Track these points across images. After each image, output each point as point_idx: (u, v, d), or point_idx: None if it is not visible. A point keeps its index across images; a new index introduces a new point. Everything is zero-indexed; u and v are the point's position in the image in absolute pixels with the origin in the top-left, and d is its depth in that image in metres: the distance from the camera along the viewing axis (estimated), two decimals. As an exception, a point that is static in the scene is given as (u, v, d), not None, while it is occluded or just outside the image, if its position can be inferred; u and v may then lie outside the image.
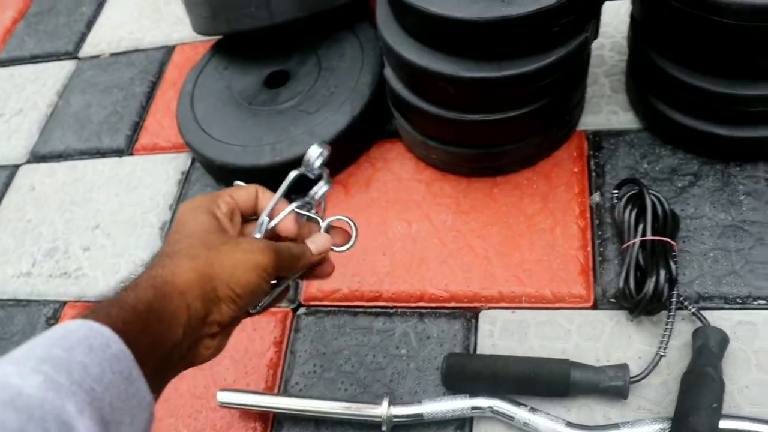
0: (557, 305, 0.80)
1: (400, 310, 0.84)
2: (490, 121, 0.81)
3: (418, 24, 0.77)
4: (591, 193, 0.88)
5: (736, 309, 0.77)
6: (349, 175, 0.96)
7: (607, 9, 0.84)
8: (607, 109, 0.96)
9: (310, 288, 0.88)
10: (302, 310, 0.88)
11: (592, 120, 0.95)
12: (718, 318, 0.75)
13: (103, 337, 0.43)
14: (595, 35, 0.84)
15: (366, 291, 0.86)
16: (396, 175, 0.95)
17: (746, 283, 0.78)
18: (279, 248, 0.58)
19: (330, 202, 0.93)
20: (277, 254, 0.57)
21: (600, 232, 0.85)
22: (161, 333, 0.48)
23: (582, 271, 0.82)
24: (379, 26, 0.84)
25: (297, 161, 0.89)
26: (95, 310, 0.46)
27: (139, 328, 0.46)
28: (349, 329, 0.84)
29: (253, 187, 0.63)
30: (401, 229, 0.90)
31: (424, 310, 0.84)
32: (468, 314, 0.82)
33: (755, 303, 0.77)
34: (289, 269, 0.60)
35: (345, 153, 0.96)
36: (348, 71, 0.97)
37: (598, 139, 0.93)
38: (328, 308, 0.87)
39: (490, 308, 0.82)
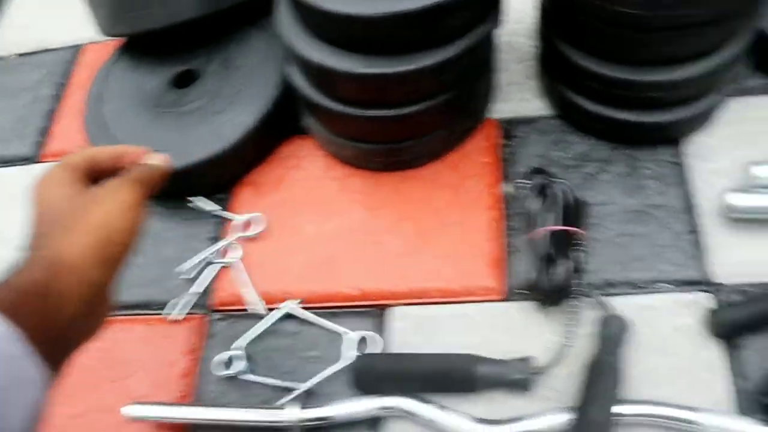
0: (468, 299, 0.80)
1: (311, 310, 0.83)
2: (394, 116, 0.80)
3: (315, 21, 0.76)
4: (503, 183, 0.88)
5: (641, 294, 0.78)
6: (260, 175, 0.95)
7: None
8: (518, 96, 0.96)
9: (222, 292, 0.86)
10: (215, 315, 0.86)
11: (503, 108, 0.95)
12: (624, 304, 0.76)
13: None
14: (498, 24, 0.83)
15: (278, 292, 0.84)
16: (308, 172, 0.94)
17: (651, 267, 0.79)
18: (138, 176, 0.58)
19: (242, 204, 0.92)
20: (140, 183, 0.57)
21: (511, 223, 0.85)
22: (53, 310, 0.47)
23: (492, 263, 0.82)
24: (278, 23, 0.82)
25: (202, 164, 0.88)
26: None
27: (29, 309, 0.45)
28: (261, 333, 0.82)
29: (116, 149, 0.62)
30: (313, 228, 0.88)
31: (336, 310, 0.82)
32: (379, 312, 0.81)
33: (659, 286, 0.78)
34: (152, 190, 0.60)
35: (254, 152, 0.94)
36: (255, 68, 0.95)
37: (509, 128, 0.93)
38: (241, 312, 0.85)
39: (401, 305, 0.81)
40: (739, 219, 0.80)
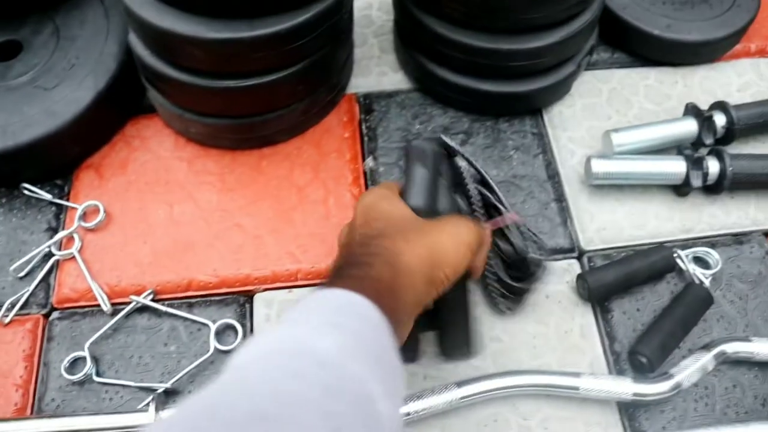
0: (335, 279, 0.76)
1: (166, 302, 0.76)
2: (248, 86, 0.74)
3: (155, -20, 0.69)
4: (364, 159, 0.84)
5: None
6: (102, 157, 0.85)
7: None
8: (376, 70, 0.93)
9: (63, 288, 0.77)
10: (55, 314, 0.76)
11: (361, 82, 0.92)
12: (495, 276, 0.75)
13: (367, 308, 0.45)
14: (354, -11, 0.80)
15: (127, 285, 0.76)
16: (155, 153, 0.85)
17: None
18: (479, 226, 0.58)
19: (83, 190, 0.83)
20: (478, 232, 0.57)
21: (375, 199, 0.81)
22: (396, 305, 0.49)
23: (359, 240, 0.78)
24: (115, -15, 0.74)
25: (33, 145, 0.78)
26: (346, 281, 0.47)
27: (384, 303, 0.46)
28: (109, 330, 0.74)
29: None
30: (163, 213, 0.81)
31: (192, 300, 0.76)
32: (241, 299, 0.76)
33: (528, 256, 0.77)
34: (478, 255, 0.58)
35: (94, 132, 0.85)
36: (91, 40, 0.86)
37: (368, 102, 0.90)
38: (85, 309, 0.76)
39: (265, 290, 0.76)
40: (600, 185, 0.81)
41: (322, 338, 0.41)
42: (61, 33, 0.87)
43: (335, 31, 0.77)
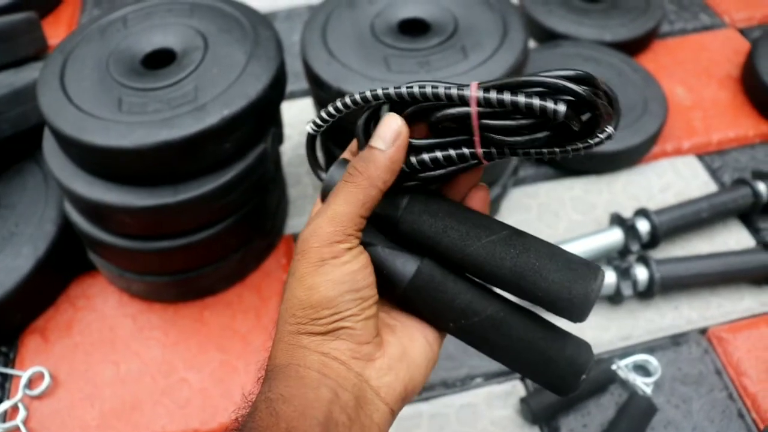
0: (282, 426, 0.76)
1: (114, 467, 0.75)
2: (180, 245, 0.76)
3: (82, 156, 0.71)
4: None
5: (457, 392, 0.78)
6: (47, 320, 0.86)
7: (305, 107, 0.83)
8: (310, 209, 0.95)
9: (10, 461, 0.77)
10: (3, 490, 0.76)
11: (297, 222, 0.94)
12: (441, 406, 0.76)
13: None
14: (279, 141, 0.83)
15: (75, 452, 0.76)
16: (100, 312, 0.86)
17: (462, 364, 0.80)
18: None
19: (29, 355, 0.83)
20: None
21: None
22: None
23: (304, 383, 0.78)
24: (46, 159, 0.76)
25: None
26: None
27: None
28: (58, 502, 0.73)
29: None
30: (109, 372, 0.81)
31: (141, 461, 0.76)
32: (190, 456, 0.75)
33: (473, 382, 0.78)
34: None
35: (37, 297, 0.86)
36: (30, 206, 0.88)
37: (306, 241, 0.92)
38: (34, 482, 0.75)
39: (212, 444, 0.76)
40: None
41: None
42: (2, 201, 0.89)
43: (261, 182, 0.80)
